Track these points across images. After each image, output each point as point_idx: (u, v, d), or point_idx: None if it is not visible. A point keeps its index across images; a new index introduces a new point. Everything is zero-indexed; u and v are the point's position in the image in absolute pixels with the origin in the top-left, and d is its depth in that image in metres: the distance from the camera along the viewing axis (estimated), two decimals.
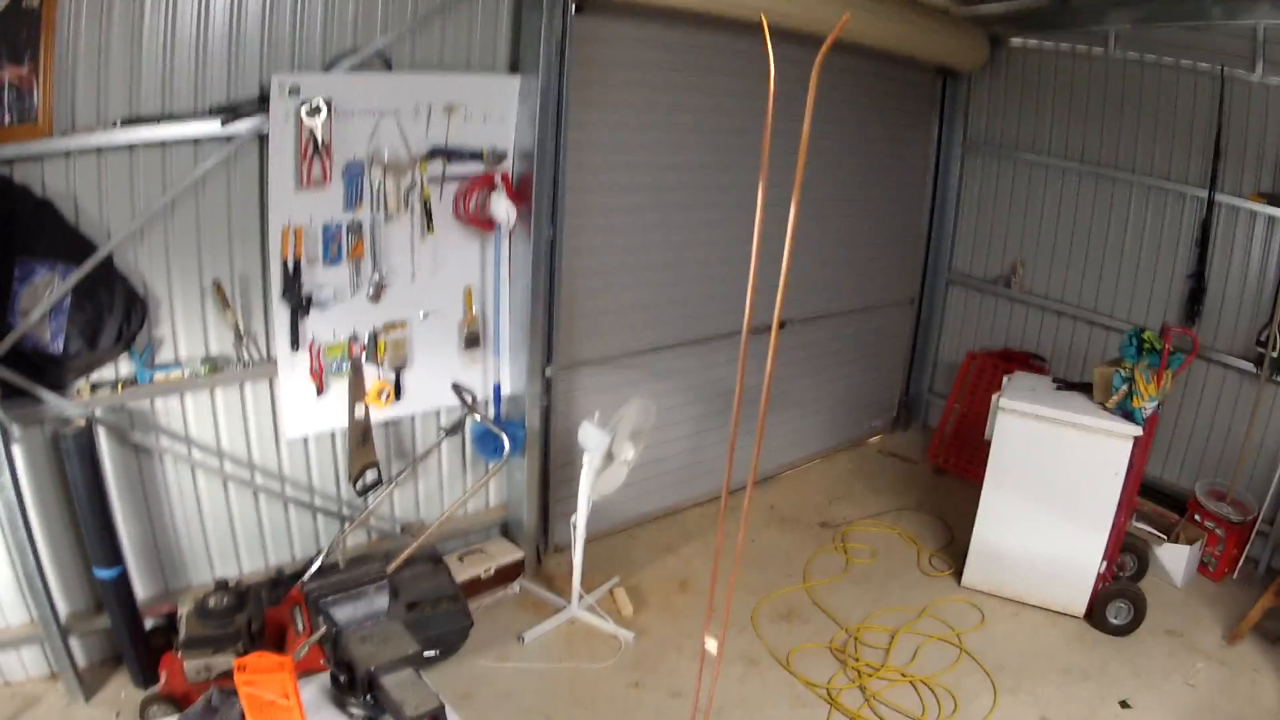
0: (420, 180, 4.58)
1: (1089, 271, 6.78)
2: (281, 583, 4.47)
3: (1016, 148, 7.04)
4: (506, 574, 5.34)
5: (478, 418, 5.05)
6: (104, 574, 4.03)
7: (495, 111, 4.73)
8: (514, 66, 4.77)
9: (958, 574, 5.72)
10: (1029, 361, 6.92)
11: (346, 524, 4.82)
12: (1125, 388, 4.96)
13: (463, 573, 5.10)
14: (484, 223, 4.81)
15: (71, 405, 3.89)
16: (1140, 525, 5.84)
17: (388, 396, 4.83)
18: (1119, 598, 5.23)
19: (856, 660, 4.96)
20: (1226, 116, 5.76)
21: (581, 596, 5.14)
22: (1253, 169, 5.76)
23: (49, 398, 3.82)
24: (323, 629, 3.80)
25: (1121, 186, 6.45)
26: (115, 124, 3.70)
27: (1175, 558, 5.74)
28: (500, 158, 4.81)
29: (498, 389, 5.25)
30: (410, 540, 4.71)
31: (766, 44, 2.54)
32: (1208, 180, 5.91)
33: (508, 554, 5.38)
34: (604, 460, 4.82)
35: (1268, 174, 5.70)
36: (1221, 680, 4.95)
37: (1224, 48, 5.64)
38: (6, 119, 3.41)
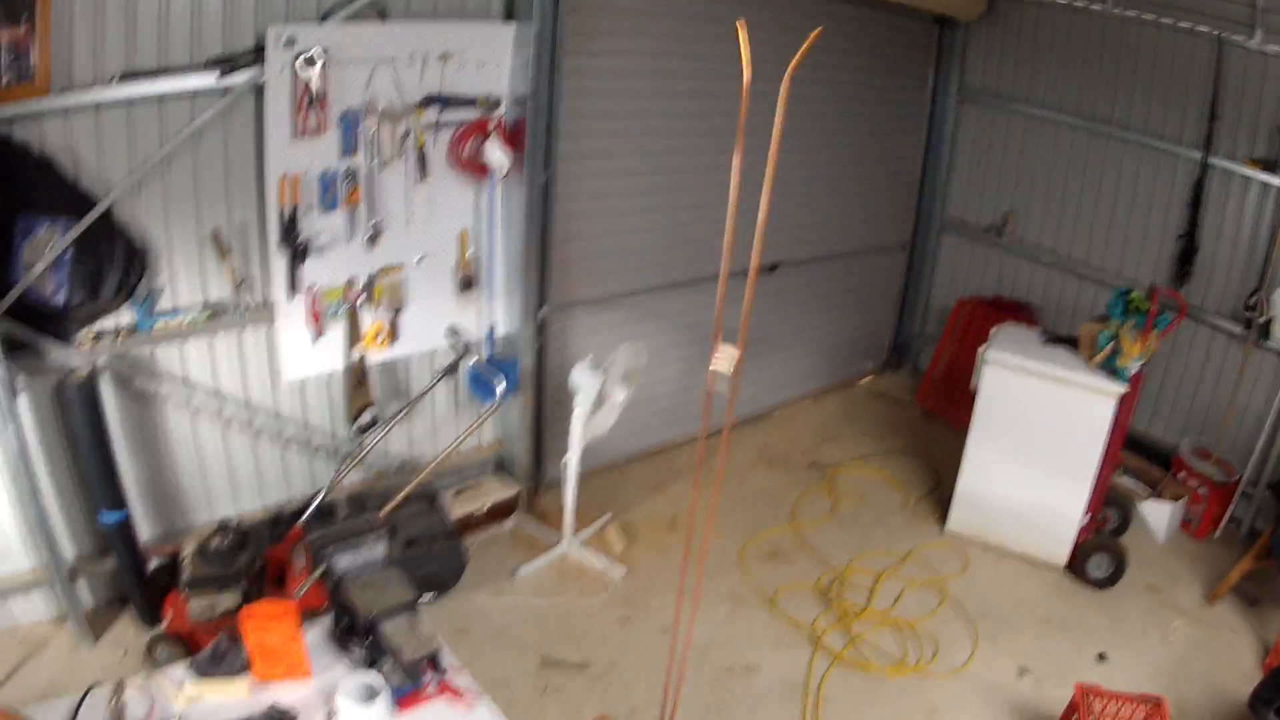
0: (415, 127, 4.59)
1: (1080, 225, 6.76)
2: (282, 521, 4.58)
3: (1012, 99, 6.96)
4: (501, 510, 5.47)
5: (472, 359, 5.12)
6: (108, 518, 4.12)
7: (490, 58, 4.73)
8: (509, 13, 4.74)
9: (942, 519, 5.81)
10: (1019, 310, 6.95)
11: (344, 463, 4.92)
12: (1111, 346, 5.00)
13: (458, 508, 5.23)
14: (478, 168, 4.83)
15: (75, 355, 3.95)
16: (1125, 479, 5.89)
17: (384, 339, 4.90)
18: (1100, 551, 5.30)
19: (841, 602, 5.08)
20: (1224, 80, 5.71)
21: (574, 533, 5.26)
22: (1248, 134, 5.72)
23: (53, 349, 3.89)
24: (322, 566, 3.91)
25: (1115, 143, 6.40)
26: (112, 80, 3.70)
27: (1158, 514, 5.81)
28: (495, 104, 4.81)
29: (492, 330, 5.31)
30: (407, 479, 4.82)
31: (743, 51, 2.54)
32: (1202, 142, 5.86)
33: (502, 491, 5.50)
34: (596, 402, 4.90)
35: (1262, 140, 5.66)
36: (1198, 639, 5.03)
37: (1223, 12, 5.54)
38: (5, 79, 3.41)
